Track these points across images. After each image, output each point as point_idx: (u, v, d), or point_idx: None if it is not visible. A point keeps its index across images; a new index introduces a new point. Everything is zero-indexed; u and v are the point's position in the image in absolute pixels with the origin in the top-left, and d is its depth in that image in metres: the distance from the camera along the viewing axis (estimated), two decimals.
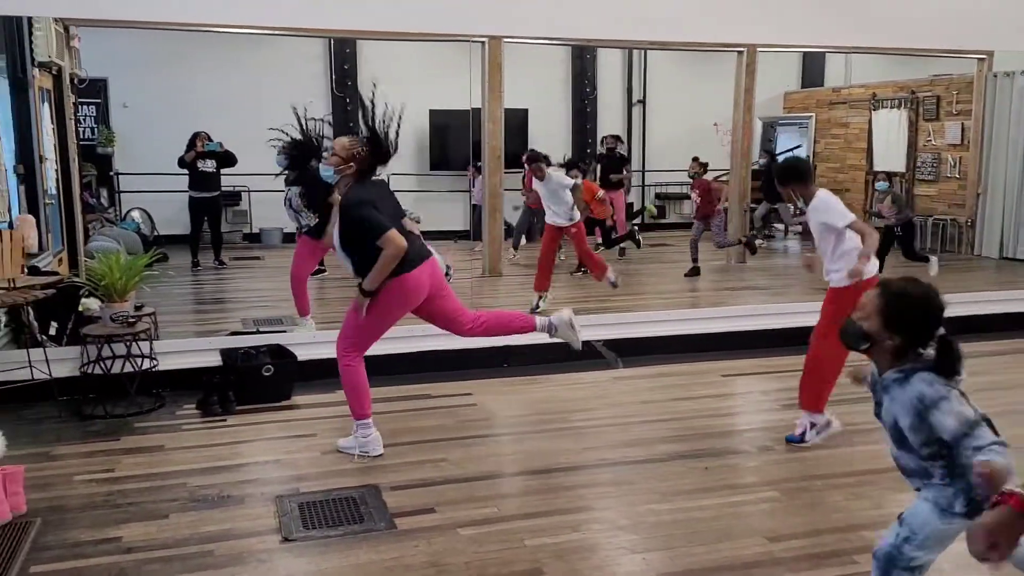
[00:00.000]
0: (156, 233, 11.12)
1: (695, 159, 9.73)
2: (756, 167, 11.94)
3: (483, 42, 8.08)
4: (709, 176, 9.85)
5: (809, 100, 13.89)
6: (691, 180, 9.74)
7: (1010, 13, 7.58)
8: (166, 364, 5.34)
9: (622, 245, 10.44)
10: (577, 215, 7.49)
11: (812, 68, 14.30)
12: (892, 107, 12.09)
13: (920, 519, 2.42)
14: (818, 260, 4.51)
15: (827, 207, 4.31)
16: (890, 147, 12.04)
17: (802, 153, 13.53)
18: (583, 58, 13.35)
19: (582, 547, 3.43)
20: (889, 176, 10.28)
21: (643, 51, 13.37)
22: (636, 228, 9.45)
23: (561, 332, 4.63)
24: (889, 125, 12.12)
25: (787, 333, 6.49)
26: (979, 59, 10.44)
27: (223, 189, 10.21)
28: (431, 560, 3.31)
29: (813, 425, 4.49)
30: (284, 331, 6.28)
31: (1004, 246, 10.57)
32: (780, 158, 12.21)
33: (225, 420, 4.93)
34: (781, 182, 4.46)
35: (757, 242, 9.51)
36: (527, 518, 3.67)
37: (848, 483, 4.02)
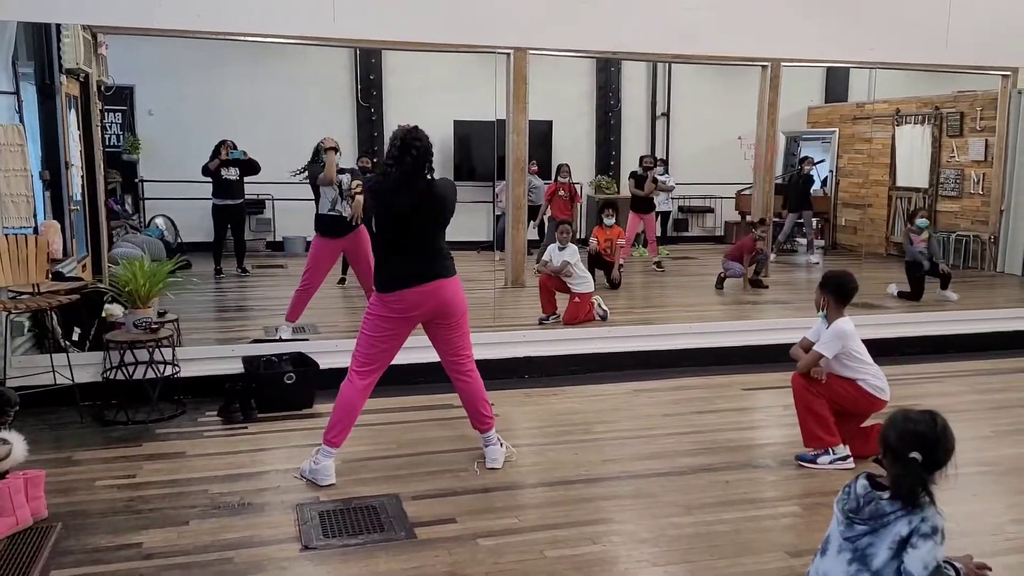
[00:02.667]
0: (180, 240, 11.22)
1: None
2: (779, 181, 11.90)
3: (508, 53, 8.10)
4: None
5: (833, 115, 13.82)
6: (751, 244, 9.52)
7: None
8: (188, 371, 5.37)
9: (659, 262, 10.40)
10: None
11: (836, 83, 14.24)
12: (916, 123, 12.00)
13: None
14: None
15: (828, 337, 4.40)
16: (913, 163, 11.95)
17: (825, 168, 13.47)
18: (607, 70, 13.37)
19: (602, 560, 3.40)
20: (931, 219, 10.14)
21: (667, 64, 13.36)
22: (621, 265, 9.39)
23: (493, 453, 4.37)
24: (912, 141, 12.02)
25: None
26: (1003, 76, 10.36)
27: (247, 197, 10.28)
28: (450, 570, 3.29)
29: (832, 451, 4.44)
30: (306, 339, 6.30)
31: None
32: (816, 166, 12.20)
33: (246, 427, 4.95)
34: (821, 286, 4.50)
35: (764, 279, 9.48)
36: (547, 529, 3.65)
37: None
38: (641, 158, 11.23)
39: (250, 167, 9.82)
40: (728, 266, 9.39)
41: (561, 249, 7.55)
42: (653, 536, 3.61)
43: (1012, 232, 10.65)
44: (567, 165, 10.74)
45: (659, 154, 13.56)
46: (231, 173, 9.75)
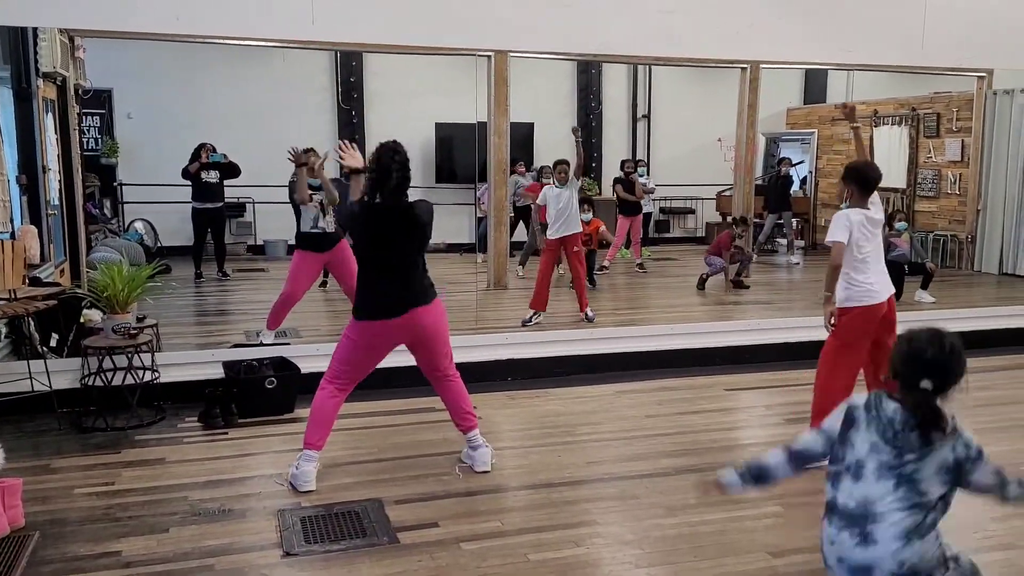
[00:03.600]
0: (159, 244, 11.12)
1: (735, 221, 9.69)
2: (760, 182, 11.97)
3: (489, 56, 8.10)
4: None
5: (812, 116, 13.92)
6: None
7: (1009, 32, 7.62)
8: (168, 376, 5.33)
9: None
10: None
11: (814, 85, 14.34)
12: (893, 124, 12.11)
13: None
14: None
15: (834, 221, 4.36)
16: (891, 163, 12.05)
17: (804, 169, 13.58)
18: (588, 72, 13.39)
19: (586, 562, 3.40)
20: (908, 219, 10.24)
21: (648, 66, 13.41)
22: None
23: (482, 456, 4.35)
24: (890, 141, 12.13)
25: (790, 347, 6.50)
26: (979, 77, 10.47)
27: (227, 200, 10.21)
28: (433, 575, 3.28)
29: None
30: (288, 343, 6.27)
31: (1004, 262, 10.56)
32: (795, 167, 12.29)
33: (227, 433, 4.91)
34: (844, 178, 4.49)
35: (745, 280, 9.52)
36: (530, 532, 3.65)
37: None
38: (623, 162, 11.27)
39: (230, 170, 9.76)
40: (710, 262, 9.43)
41: (560, 187, 7.52)
42: (637, 538, 3.61)
43: (988, 232, 10.76)
44: (551, 167, 10.72)
45: (640, 156, 13.62)
46: (211, 176, 9.69)
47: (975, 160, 10.81)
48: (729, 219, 10.02)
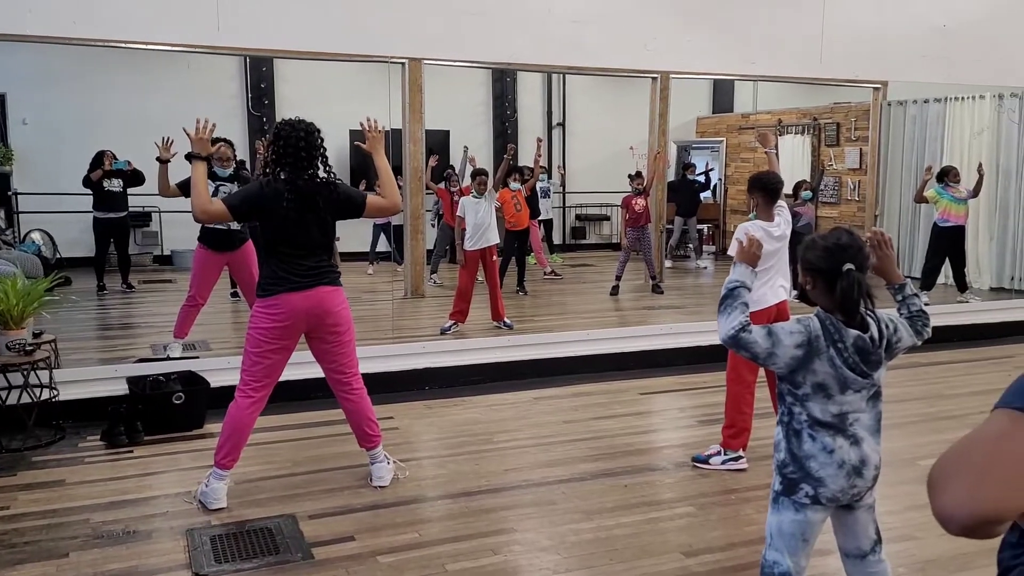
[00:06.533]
0: (58, 256, 10.64)
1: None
2: (671, 180, 12.23)
3: (403, 63, 8.05)
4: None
5: (720, 125, 14.33)
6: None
7: (903, 46, 8.04)
8: (68, 394, 5.10)
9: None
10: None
11: (722, 95, 14.77)
12: (796, 133, 12.58)
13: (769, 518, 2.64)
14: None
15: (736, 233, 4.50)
16: (795, 171, 12.50)
17: (715, 176, 13.96)
18: (503, 81, 13.47)
19: (503, 570, 3.41)
20: (814, 189, 10.60)
21: (562, 75, 13.57)
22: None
23: (379, 471, 4.31)
24: (794, 150, 12.59)
25: (701, 351, 6.66)
26: (875, 88, 10.96)
27: (132, 209, 9.86)
28: None
29: (724, 453, 4.57)
30: (197, 356, 6.08)
31: (901, 265, 11.06)
32: (701, 175, 12.61)
33: (132, 451, 4.73)
34: (748, 190, 4.61)
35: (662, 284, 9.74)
36: (448, 543, 3.63)
37: (760, 496, 4.09)
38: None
39: (135, 178, 9.41)
40: (622, 259, 9.60)
41: (479, 198, 7.52)
42: (554, 544, 3.64)
43: None
44: (454, 171, 10.68)
45: (556, 163, 13.76)
46: (114, 185, 9.33)
47: (872, 168, 11.31)
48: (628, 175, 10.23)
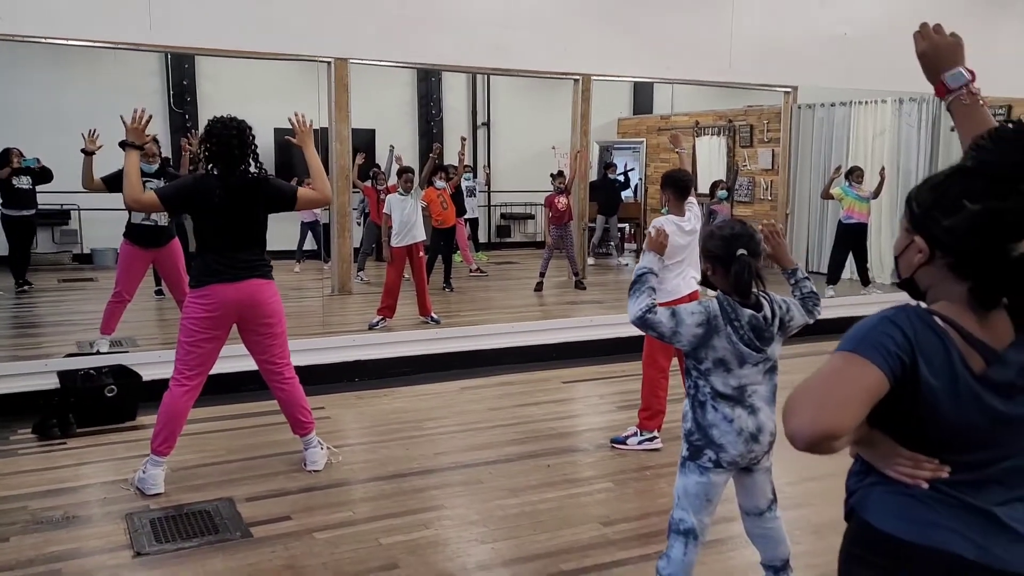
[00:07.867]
0: None
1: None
2: (592, 179, 12.61)
3: (329, 62, 8.16)
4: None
5: (640, 126, 14.81)
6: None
7: (811, 52, 8.54)
8: None
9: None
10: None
11: (642, 97, 15.25)
12: (713, 134, 13.13)
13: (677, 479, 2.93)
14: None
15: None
16: (712, 171, 13.05)
17: (635, 176, 14.42)
18: (428, 81, 13.65)
19: (435, 542, 3.63)
20: (729, 188, 11.10)
21: (486, 76, 13.82)
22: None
23: (313, 456, 4.44)
24: (711, 151, 13.15)
25: (619, 342, 6.97)
26: (785, 92, 11.53)
27: (49, 207, 9.68)
28: (287, 563, 3.41)
29: (640, 433, 4.88)
30: (126, 351, 6.11)
31: (809, 261, 11.70)
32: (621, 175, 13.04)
33: (65, 443, 4.78)
34: (661, 187, 4.93)
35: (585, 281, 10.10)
36: (381, 519, 3.84)
37: (673, 472, 4.33)
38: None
39: (43, 176, 9.27)
40: (546, 256, 9.93)
41: (404, 195, 7.70)
42: (482, 518, 3.88)
43: (796, 233, 11.85)
44: (380, 170, 10.81)
45: (481, 163, 14.00)
46: (23, 182, 9.17)
47: (784, 168, 11.87)
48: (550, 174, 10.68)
